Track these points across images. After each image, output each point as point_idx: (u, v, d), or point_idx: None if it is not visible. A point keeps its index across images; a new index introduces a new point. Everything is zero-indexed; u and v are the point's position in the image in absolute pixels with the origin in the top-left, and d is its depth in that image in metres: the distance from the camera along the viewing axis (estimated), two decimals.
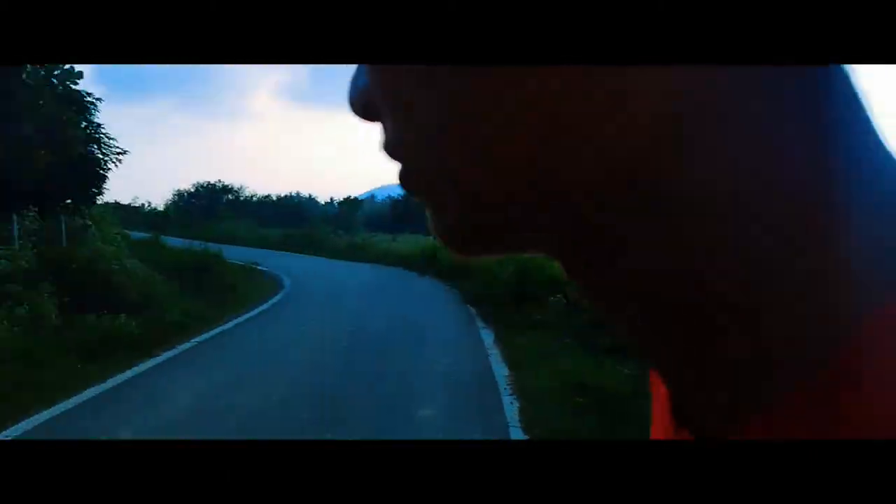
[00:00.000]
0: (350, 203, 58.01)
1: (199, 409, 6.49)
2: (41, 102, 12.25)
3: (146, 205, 57.57)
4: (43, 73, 12.62)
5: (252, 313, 13.27)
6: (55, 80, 13.03)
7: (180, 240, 24.34)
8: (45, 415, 6.21)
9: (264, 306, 14.27)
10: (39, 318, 9.32)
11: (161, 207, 60.20)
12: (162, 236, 24.48)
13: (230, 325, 11.92)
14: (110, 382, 7.48)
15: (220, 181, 66.61)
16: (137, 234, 24.11)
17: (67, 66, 13.07)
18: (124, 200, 50.90)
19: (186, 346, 9.81)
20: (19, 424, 5.92)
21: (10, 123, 11.45)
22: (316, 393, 7.07)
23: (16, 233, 12.46)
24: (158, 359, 8.87)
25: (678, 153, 0.28)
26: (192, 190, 65.64)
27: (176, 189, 69.19)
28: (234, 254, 21.55)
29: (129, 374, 7.91)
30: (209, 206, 58.53)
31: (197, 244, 20.11)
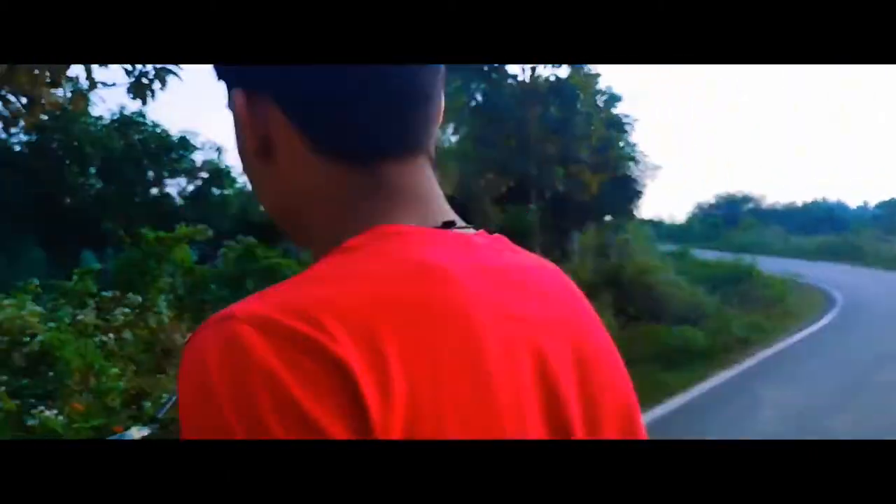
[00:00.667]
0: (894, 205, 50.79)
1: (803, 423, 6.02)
2: (592, 128, 13.27)
3: (667, 218, 59.27)
4: (590, 100, 13.66)
5: (812, 328, 12.30)
6: (601, 105, 14.04)
7: (706, 252, 24.26)
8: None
9: (822, 321, 13.16)
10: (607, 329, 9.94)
11: (681, 221, 61.37)
12: (689, 249, 24.72)
13: (793, 339, 11.21)
14: (696, 390, 7.54)
15: (740, 191, 65.93)
16: (664, 248, 24.73)
17: (611, 91, 14.00)
18: (646, 215, 53.33)
19: (754, 359, 9.48)
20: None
21: (570, 150, 12.65)
22: None
23: (576, 248, 13.68)
24: (733, 371, 8.70)
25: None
26: (713, 201, 66.17)
27: (696, 201, 70.63)
28: (767, 265, 20.46)
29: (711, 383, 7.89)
30: (730, 216, 57.73)
31: (729, 256, 19.73)
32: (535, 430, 0.56)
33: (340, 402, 0.45)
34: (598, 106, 13.93)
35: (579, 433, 0.60)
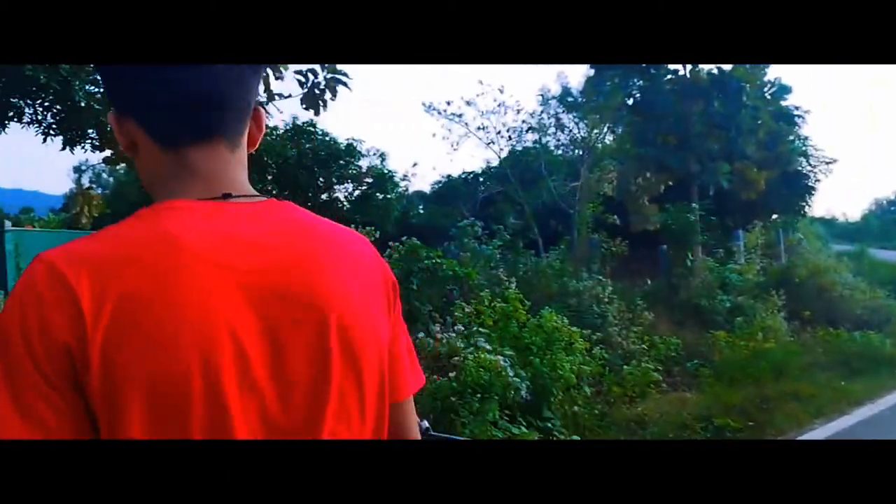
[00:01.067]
0: None
1: None
2: (759, 122, 12.64)
3: (841, 216, 54.93)
4: (756, 93, 13.00)
5: None
6: (769, 97, 13.33)
7: (886, 252, 22.24)
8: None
9: None
10: (769, 331, 9.47)
11: (855, 218, 56.72)
12: (867, 248, 22.84)
13: None
14: (889, 400, 7.08)
15: None
16: (838, 248, 23.01)
17: (780, 83, 13.25)
18: (818, 213, 49.75)
19: None
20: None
21: (735, 146, 12.13)
22: None
23: (742, 248, 13.08)
24: None
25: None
26: (892, 197, 60.72)
27: (873, 197, 64.94)
28: None
29: None
30: None
31: None
32: (217, 353, 0.77)
33: (68, 310, 0.74)
34: (765, 98, 13.23)
35: (258, 356, 0.80)
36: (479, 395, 5.28)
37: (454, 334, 6.11)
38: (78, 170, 27.18)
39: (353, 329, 0.87)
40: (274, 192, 14.88)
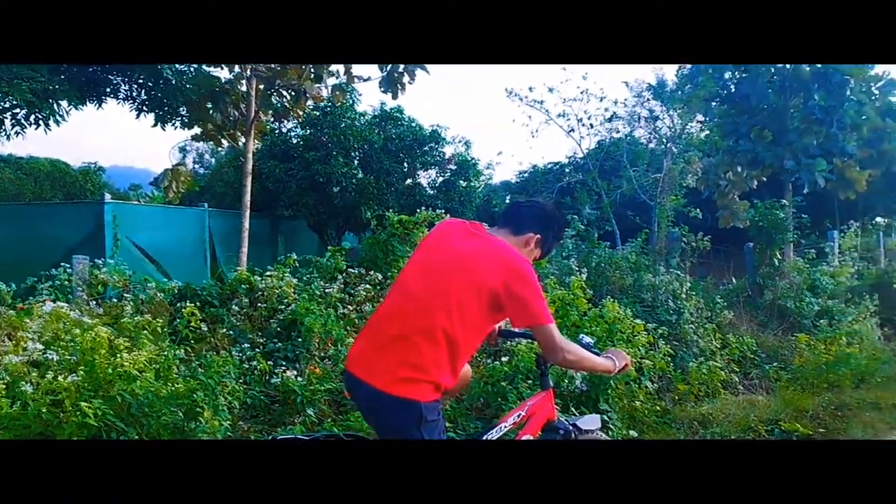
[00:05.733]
0: None
1: None
2: (864, 118, 11.92)
3: None
4: (862, 87, 12.26)
5: None
6: (876, 92, 12.54)
7: None
8: None
9: None
10: (855, 336, 8.93)
11: None
12: None
13: None
14: None
15: None
16: None
17: (889, 77, 12.47)
18: None
19: None
20: None
21: (835, 142, 11.49)
22: None
23: (836, 249, 12.42)
24: None
25: None
26: None
27: None
28: None
29: None
30: None
31: None
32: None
33: None
34: (871, 93, 12.44)
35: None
36: (530, 381, 5.23)
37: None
38: (182, 149, 28.42)
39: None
40: (359, 175, 15.13)
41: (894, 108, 14.14)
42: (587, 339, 3.17)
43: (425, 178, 16.52)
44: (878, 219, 16.06)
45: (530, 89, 17.69)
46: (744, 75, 12.35)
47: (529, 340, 3.99)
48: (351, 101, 15.28)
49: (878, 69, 12.18)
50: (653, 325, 6.69)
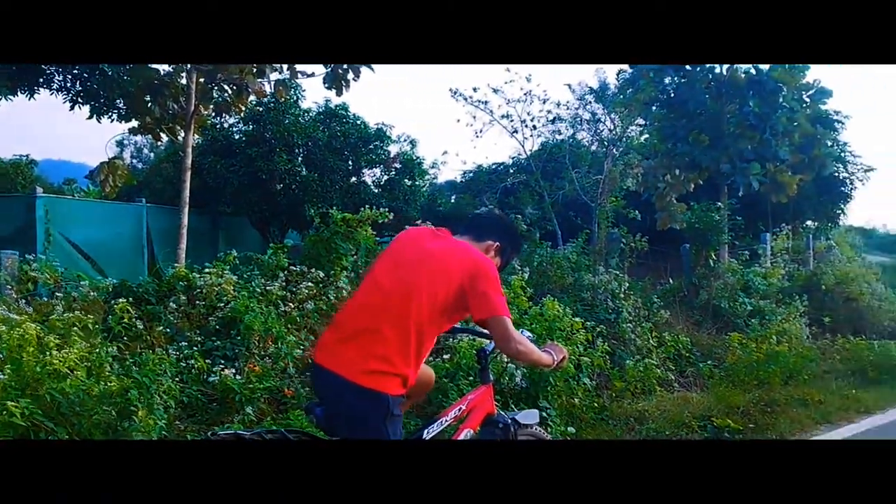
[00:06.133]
0: None
1: None
2: (795, 125, 12.34)
3: (881, 227, 53.71)
4: (794, 95, 12.69)
5: None
6: (807, 100, 12.99)
7: None
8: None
9: None
10: (784, 335, 9.27)
11: None
12: None
13: None
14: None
15: None
16: (875, 258, 22.47)
17: (820, 86, 12.93)
18: (857, 222, 48.54)
19: None
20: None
21: (770, 146, 11.86)
22: None
23: (768, 251, 12.84)
24: None
25: None
26: None
27: None
28: None
29: None
30: None
31: None
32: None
33: None
34: (803, 101, 12.89)
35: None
36: (471, 378, 5.27)
37: None
38: (120, 143, 27.67)
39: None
40: (303, 172, 14.98)
41: (824, 116, 14.72)
42: (527, 333, 3.26)
43: (370, 176, 16.45)
44: (808, 222, 16.70)
45: (475, 89, 17.64)
46: (682, 81, 12.65)
47: (471, 337, 4.04)
48: (295, 98, 15.10)
49: (809, 77, 12.63)
50: (591, 324, 6.82)
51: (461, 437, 3.07)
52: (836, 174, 15.39)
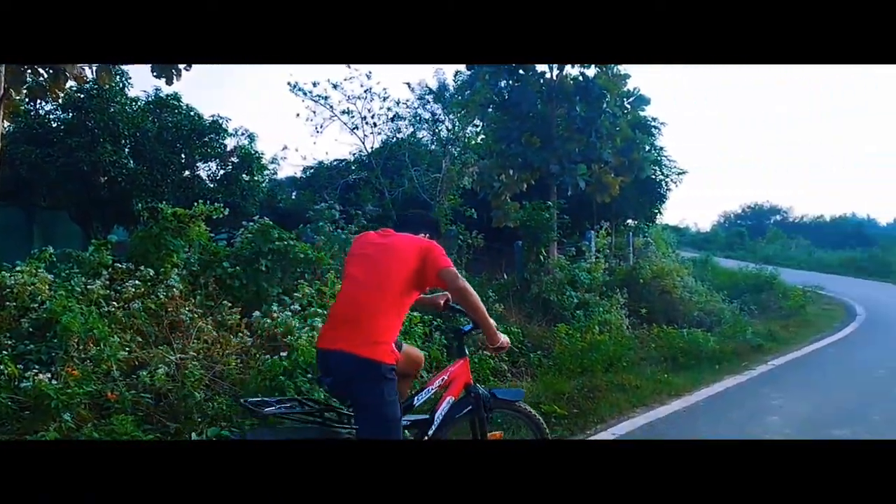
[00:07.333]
0: None
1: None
2: (617, 129, 13.20)
3: (692, 226, 58.81)
4: (616, 101, 13.58)
5: (825, 341, 12.17)
6: (629, 107, 13.93)
7: (730, 260, 23.94)
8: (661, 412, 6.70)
9: (841, 334, 13.12)
10: (605, 326, 9.94)
11: (706, 229, 61.00)
12: (712, 256, 24.57)
13: (807, 349, 11.22)
14: (704, 392, 7.65)
15: (767, 202, 65.67)
16: (686, 254, 24.58)
17: (639, 93, 13.91)
18: (672, 221, 52.85)
19: (765, 366, 9.58)
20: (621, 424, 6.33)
21: (593, 150, 12.62)
22: None
23: (593, 247, 13.65)
24: (746, 375, 8.85)
25: None
26: (739, 211, 66.22)
27: (722, 210, 71.11)
28: (791, 277, 20.22)
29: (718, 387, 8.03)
30: (756, 227, 57.30)
31: (752, 266, 19.60)
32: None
33: None
34: (624, 107, 13.83)
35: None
36: (309, 376, 5.24)
37: (290, 314, 6.03)
38: None
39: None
40: (130, 164, 14.14)
41: (642, 122, 15.88)
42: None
43: (205, 170, 15.83)
44: (629, 220, 17.95)
45: (314, 84, 17.44)
46: (516, 84, 13.17)
47: (475, 330, 4.17)
48: (121, 85, 14.21)
49: (630, 85, 13.56)
50: (428, 318, 6.97)
51: (444, 404, 3.80)
52: (654, 176, 16.61)
